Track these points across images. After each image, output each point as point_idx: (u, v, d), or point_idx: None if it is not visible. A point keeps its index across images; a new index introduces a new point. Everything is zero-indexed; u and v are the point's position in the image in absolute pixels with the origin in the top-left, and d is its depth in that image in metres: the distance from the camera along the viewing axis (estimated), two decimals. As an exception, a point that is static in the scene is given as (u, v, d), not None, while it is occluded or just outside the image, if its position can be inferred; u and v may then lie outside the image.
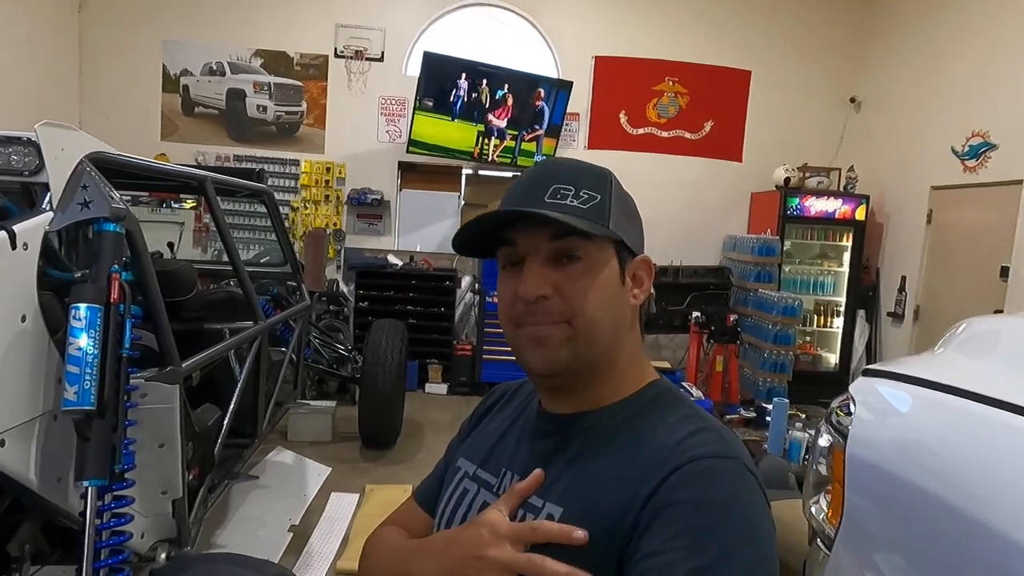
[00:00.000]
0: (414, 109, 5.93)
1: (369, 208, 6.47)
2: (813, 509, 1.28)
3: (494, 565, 0.65)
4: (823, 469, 1.30)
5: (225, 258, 5.84)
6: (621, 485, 0.67)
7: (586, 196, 0.72)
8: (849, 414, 1.25)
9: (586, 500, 0.68)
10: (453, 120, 6.04)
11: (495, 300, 4.81)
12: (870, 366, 1.29)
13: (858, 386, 1.25)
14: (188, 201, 5.82)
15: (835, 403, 1.29)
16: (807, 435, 3.50)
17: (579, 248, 0.71)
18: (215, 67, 6.38)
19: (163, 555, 2.00)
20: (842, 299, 6.22)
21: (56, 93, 5.99)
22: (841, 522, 1.11)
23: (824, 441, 1.27)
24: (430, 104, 5.93)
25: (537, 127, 6.27)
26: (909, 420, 1.10)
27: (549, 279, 0.71)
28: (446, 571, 0.69)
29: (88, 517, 1.50)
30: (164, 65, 6.34)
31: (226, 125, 6.44)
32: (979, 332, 1.34)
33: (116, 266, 1.61)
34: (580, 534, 0.65)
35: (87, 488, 1.52)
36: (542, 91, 6.17)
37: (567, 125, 6.44)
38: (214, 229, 6.36)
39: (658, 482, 0.64)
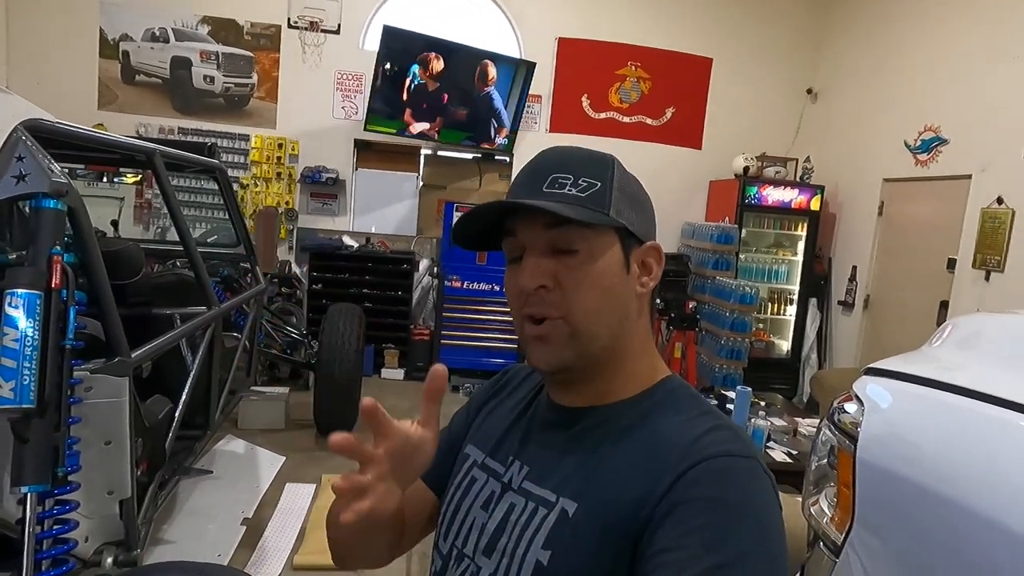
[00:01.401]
0: (371, 93, 5.72)
1: (323, 187, 6.24)
2: (813, 510, 1.24)
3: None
4: (822, 467, 1.26)
5: (169, 237, 5.57)
6: (637, 481, 0.66)
7: (585, 184, 0.71)
8: (849, 413, 1.21)
9: (602, 496, 0.67)
10: (402, 134, 5.94)
11: (454, 284, 4.70)
12: (873, 364, 1.25)
13: (863, 386, 1.21)
14: (129, 175, 5.48)
15: (837, 401, 1.26)
16: (769, 423, 3.54)
17: (575, 239, 0.71)
18: (158, 33, 6.00)
19: (109, 560, 1.85)
20: (795, 287, 6.34)
21: (-20, 55, 5.54)
22: (851, 529, 1.07)
23: (826, 440, 1.23)
24: (382, 110, 5.78)
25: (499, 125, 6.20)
26: (925, 423, 1.06)
27: (548, 269, 0.71)
28: None
29: (27, 527, 1.35)
30: (102, 29, 5.93)
31: (170, 95, 6.08)
32: (976, 331, 1.33)
33: (58, 247, 1.45)
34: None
35: (26, 495, 1.36)
36: (497, 97, 6.08)
37: (529, 107, 6.34)
38: (157, 206, 6.06)
39: (674, 478, 0.63)
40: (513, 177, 0.78)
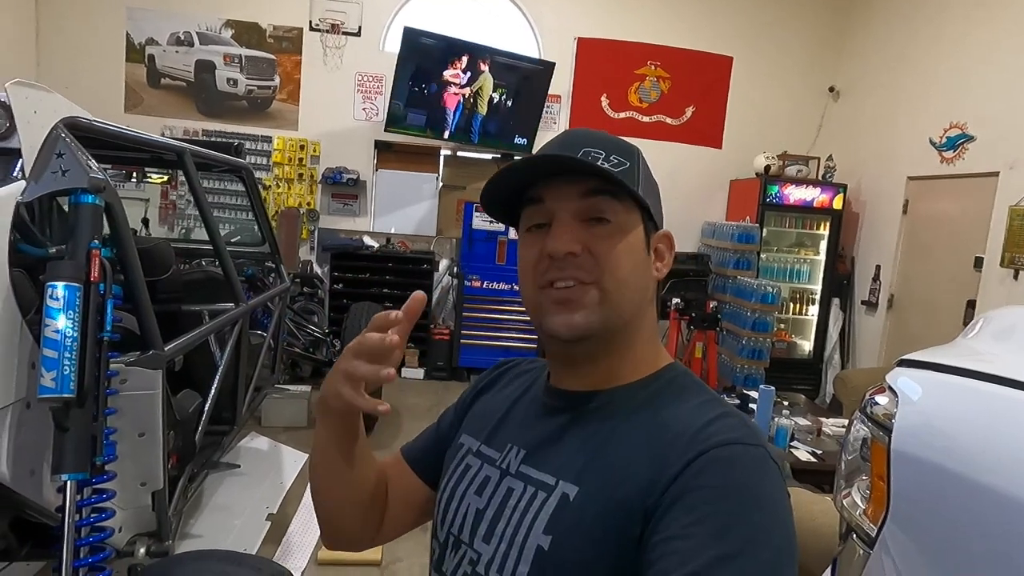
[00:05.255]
0: (390, 96, 5.79)
1: (344, 188, 6.29)
2: (845, 503, 1.24)
3: (336, 371, 0.71)
4: (855, 461, 1.26)
5: (194, 236, 5.64)
6: (642, 466, 0.64)
7: (616, 161, 0.71)
8: (881, 404, 1.20)
9: (605, 480, 0.66)
10: (424, 130, 5.99)
11: (474, 283, 4.70)
12: (906, 356, 1.24)
13: (896, 377, 1.20)
14: (154, 177, 5.57)
15: (869, 394, 1.25)
16: (792, 423, 3.51)
17: (608, 209, 0.70)
18: (183, 37, 6.10)
19: (142, 550, 1.88)
20: (817, 287, 6.28)
21: (11, 61, 5.66)
22: (886, 520, 1.06)
23: (859, 433, 1.23)
24: (402, 116, 5.86)
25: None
26: (962, 412, 1.06)
27: (578, 236, 0.70)
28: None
29: (67, 513, 1.39)
30: (128, 33, 6.03)
31: (194, 98, 6.17)
32: (1012, 323, 1.31)
33: (96, 241, 1.48)
34: (384, 408, 0.70)
35: (65, 482, 1.40)
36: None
37: (548, 107, 6.34)
38: (181, 207, 6.16)
39: (682, 465, 0.61)
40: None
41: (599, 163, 0.70)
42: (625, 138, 0.78)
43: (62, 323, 1.37)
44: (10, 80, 1.47)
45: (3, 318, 1.38)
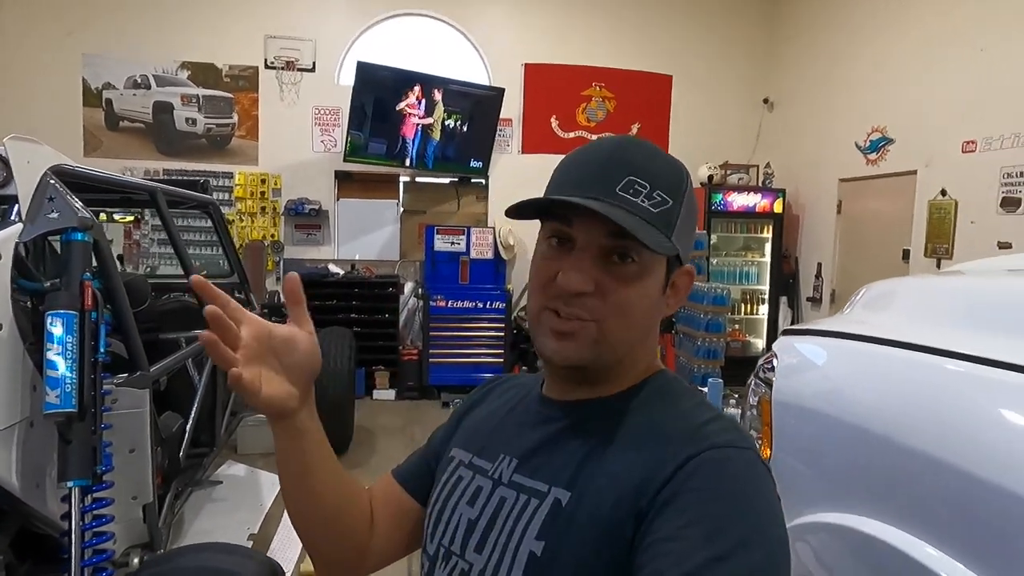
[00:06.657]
0: (348, 128, 6.03)
1: (307, 218, 6.46)
2: (748, 453, 1.48)
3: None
4: (754, 417, 1.50)
5: (159, 272, 5.74)
6: (635, 469, 0.65)
7: (659, 199, 0.69)
8: (772, 368, 1.45)
9: (597, 484, 0.67)
10: (386, 159, 6.25)
11: (439, 303, 4.87)
12: (788, 327, 1.50)
13: (779, 344, 1.45)
14: (119, 217, 5.67)
15: (761, 360, 1.50)
16: (739, 411, 3.78)
17: (634, 249, 0.68)
18: (139, 80, 6.24)
19: (135, 560, 2.03)
20: (766, 287, 6.63)
21: (-32, 110, 5.74)
22: (771, 455, 1.30)
23: (753, 393, 1.47)
24: (362, 144, 6.09)
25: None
26: (821, 363, 1.31)
27: (594, 275, 0.69)
28: None
29: (73, 517, 1.55)
30: (84, 79, 6.15)
31: (154, 139, 6.30)
32: (878, 293, 1.58)
33: (87, 274, 1.66)
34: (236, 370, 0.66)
35: (71, 489, 1.56)
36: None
37: (500, 131, 6.62)
38: (145, 245, 6.26)
39: (675, 468, 0.63)
40: (568, 162, 0.76)
41: (640, 199, 0.68)
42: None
43: (62, 347, 1.54)
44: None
45: (9, 347, 1.55)
